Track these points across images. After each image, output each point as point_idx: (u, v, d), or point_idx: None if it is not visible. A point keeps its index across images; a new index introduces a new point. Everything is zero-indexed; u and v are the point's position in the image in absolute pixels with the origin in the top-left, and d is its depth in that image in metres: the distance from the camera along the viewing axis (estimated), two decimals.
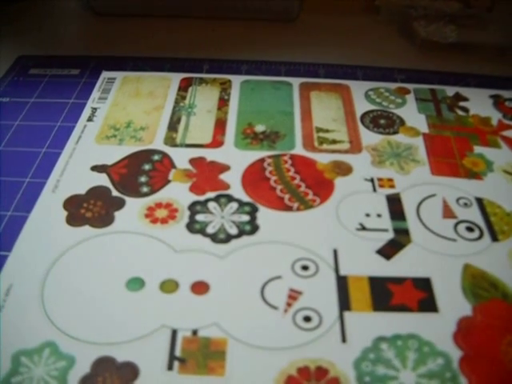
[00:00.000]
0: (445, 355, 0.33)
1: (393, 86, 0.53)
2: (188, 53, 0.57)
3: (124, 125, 0.48)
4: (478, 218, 0.41)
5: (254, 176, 0.43)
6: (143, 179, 0.43)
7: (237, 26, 0.63)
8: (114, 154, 0.45)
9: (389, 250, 0.39)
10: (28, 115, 0.49)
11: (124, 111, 0.49)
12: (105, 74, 0.54)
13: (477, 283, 0.37)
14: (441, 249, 0.39)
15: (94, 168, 0.44)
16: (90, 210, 0.40)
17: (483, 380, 0.32)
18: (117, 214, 0.40)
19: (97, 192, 0.42)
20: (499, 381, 0.32)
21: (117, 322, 0.34)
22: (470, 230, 0.40)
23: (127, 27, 0.62)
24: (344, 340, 0.33)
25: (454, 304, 0.35)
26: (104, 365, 0.32)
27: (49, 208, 0.40)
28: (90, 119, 0.48)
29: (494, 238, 0.40)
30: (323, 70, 0.56)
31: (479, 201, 0.42)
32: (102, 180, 0.43)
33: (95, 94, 0.51)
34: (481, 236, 0.40)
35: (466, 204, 0.42)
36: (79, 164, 0.44)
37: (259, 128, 0.48)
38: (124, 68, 0.55)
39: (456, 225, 0.41)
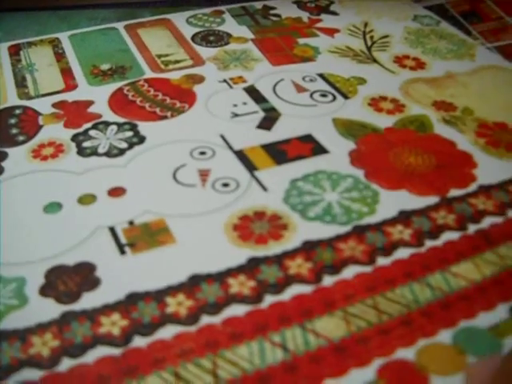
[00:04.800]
0: (352, 175, 0.37)
1: (208, 10, 0.57)
2: None
3: None
4: (326, 87, 0.46)
5: (119, 103, 0.45)
6: (15, 131, 0.43)
7: None
8: None
9: (267, 124, 0.42)
10: None
11: None
12: None
13: (349, 127, 0.42)
14: (308, 114, 0.43)
15: None
16: None
17: (389, 180, 0.37)
18: (3, 164, 0.40)
19: None
20: (392, 174, 0.37)
21: (51, 239, 0.34)
22: (323, 95, 0.45)
23: None
24: (265, 189, 0.37)
25: (339, 145, 0.40)
26: (57, 271, 0.32)
27: None
28: None
29: (346, 97, 0.45)
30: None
31: (321, 75, 0.48)
32: None
33: None
34: (334, 98, 0.45)
35: (311, 80, 0.47)
36: None
37: (104, 66, 0.49)
38: None
39: (311, 95, 0.45)
